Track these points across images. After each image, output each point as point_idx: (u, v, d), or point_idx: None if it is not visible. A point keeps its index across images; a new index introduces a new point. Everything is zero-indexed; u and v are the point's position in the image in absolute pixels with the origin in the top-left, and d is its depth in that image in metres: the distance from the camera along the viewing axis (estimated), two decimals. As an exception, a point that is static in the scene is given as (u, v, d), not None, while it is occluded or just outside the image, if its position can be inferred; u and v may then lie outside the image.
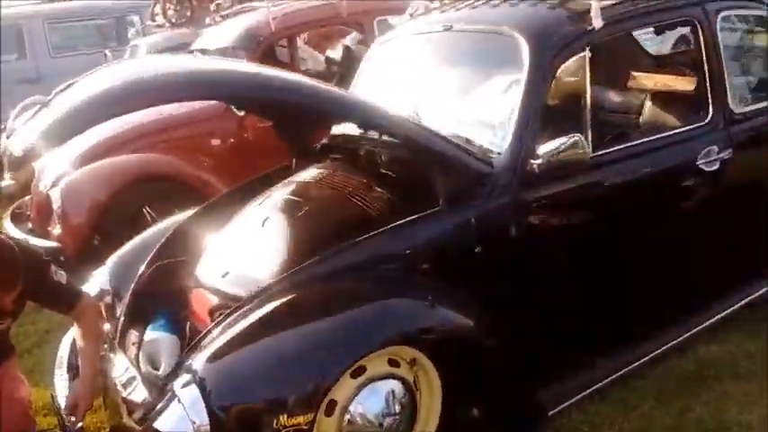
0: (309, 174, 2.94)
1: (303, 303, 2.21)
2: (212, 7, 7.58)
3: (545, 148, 2.39)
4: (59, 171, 4.34)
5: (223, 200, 3.19)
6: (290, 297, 2.21)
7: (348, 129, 3.14)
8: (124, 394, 2.45)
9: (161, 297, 2.89)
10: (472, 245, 2.40)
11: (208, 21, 7.01)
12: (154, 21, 7.79)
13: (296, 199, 2.74)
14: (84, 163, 4.33)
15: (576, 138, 2.35)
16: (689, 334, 2.87)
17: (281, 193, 2.88)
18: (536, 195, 2.48)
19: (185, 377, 2.06)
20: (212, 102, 4.70)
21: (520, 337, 2.40)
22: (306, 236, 2.55)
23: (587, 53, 2.61)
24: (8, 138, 5.04)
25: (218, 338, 2.16)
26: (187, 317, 2.76)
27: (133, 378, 2.51)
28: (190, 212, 3.23)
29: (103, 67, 2.91)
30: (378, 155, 2.93)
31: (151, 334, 2.70)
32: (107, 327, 2.87)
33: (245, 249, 2.68)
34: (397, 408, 2.16)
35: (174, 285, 2.90)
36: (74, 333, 2.83)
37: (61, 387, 2.71)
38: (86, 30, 9.66)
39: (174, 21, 7.19)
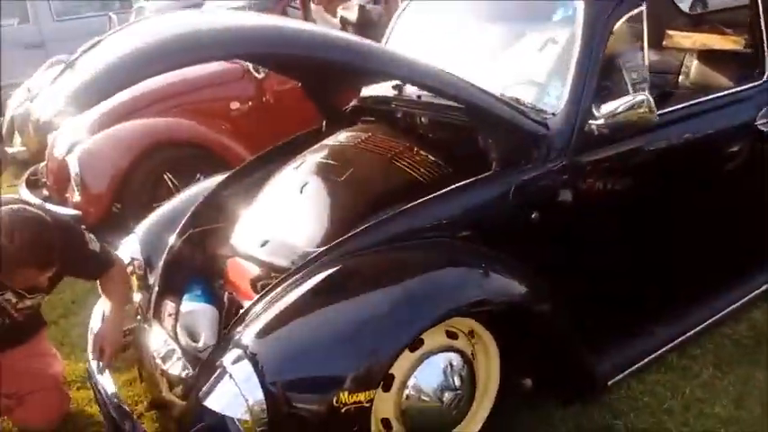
0: (346, 136, 2.81)
1: (355, 275, 2.09)
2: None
3: (607, 107, 2.25)
4: (76, 136, 4.19)
5: (253, 165, 3.06)
6: (340, 268, 2.09)
7: (383, 89, 3.01)
8: (164, 367, 2.36)
9: (195, 266, 2.80)
10: (527, 210, 2.29)
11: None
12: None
13: (335, 163, 2.61)
14: (101, 128, 4.17)
15: (643, 97, 2.21)
16: (744, 299, 2.78)
17: (317, 156, 2.75)
18: (594, 158, 2.35)
19: (235, 352, 1.95)
20: (230, 64, 4.59)
21: (576, 304, 2.30)
22: (349, 202, 2.43)
23: (644, 8, 2.46)
24: (32, 101, 4.88)
25: (266, 311, 2.04)
26: (224, 287, 2.66)
27: (172, 351, 2.41)
28: (219, 178, 3.11)
29: (129, 25, 2.77)
30: (418, 116, 2.81)
31: (188, 305, 2.60)
32: (138, 297, 2.79)
33: (283, 217, 2.56)
34: (457, 381, 2.06)
35: (208, 254, 2.80)
36: (101, 300, 2.74)
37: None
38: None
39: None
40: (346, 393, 1.83)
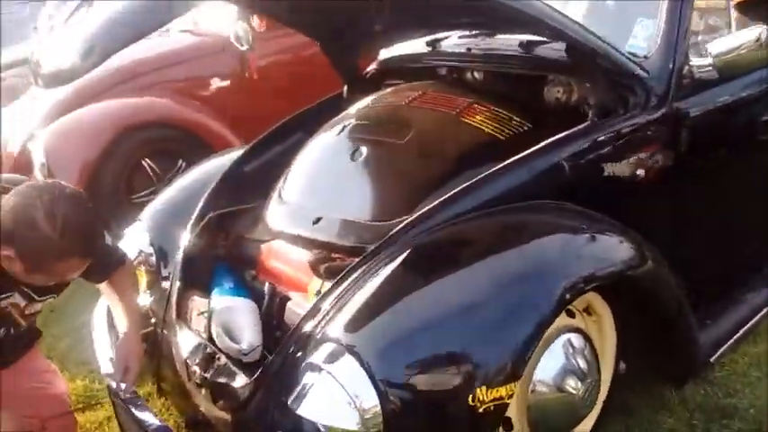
0: (390, 97, 2.44)
1: (461, 246, 1.74)
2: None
3: (717, 46, 1.97)
4: (35, 120, 3.67)
5: (273, 137, 2.65)
6: (439, 239, 1.74)
7: (413, 47, 2.67)
8: (205, 376, 1.95)
9: (219, 255, 2.38)
10: (628, 165, 1.99)
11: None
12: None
13: (389, 125, 2.24)
14: (64, 111, 3.66)
15: (761, 30, 1.94)
16: None
17: (360, 119, 2.37)
18: (696, 105, 2.07)
19: (328, 348, 1.57)
20: (209, 36, 4.14)
21: (679, 271, 2.02)
22: (419, 167, 2.07)
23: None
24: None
25: (353, 298, 1.66)
26: (258, 278, 2.26)
27: (212, 356, 2.00)
28: (232, 154, 2.70)
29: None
30: (470, 71, 2.47)
31: (220, 300, 2.18)
32: (147, 299, 2.36)
33: (335, 189, 2.18)
34: (583, 365, 1.74)
35: (232, 240, 2.40)
36: (107, 302, 2.29)
37: (106, 364, 2.18)
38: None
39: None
40: (484, 389, 1.47)
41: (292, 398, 1.58)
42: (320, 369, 1.55)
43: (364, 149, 2.17)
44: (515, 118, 2.13)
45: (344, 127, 2.34)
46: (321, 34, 2.67)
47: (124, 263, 2.15)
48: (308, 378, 1.57)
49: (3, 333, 1.90)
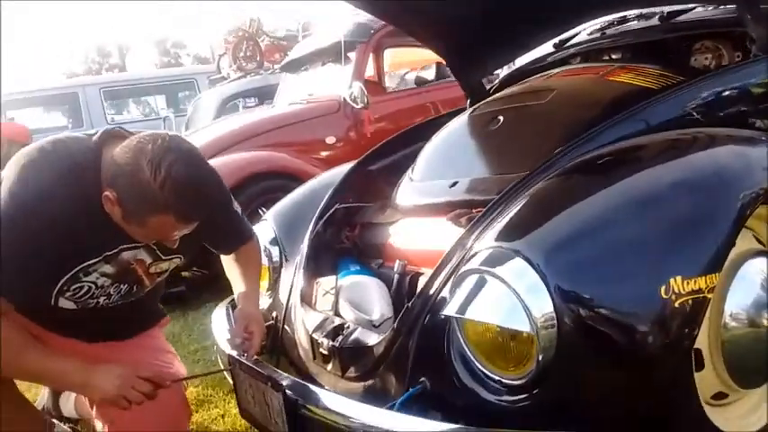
0: (525, 85, 2.36)
1: (624, 159, 1.55)
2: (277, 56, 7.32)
3: None
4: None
5: (401, 139, 2.59)
6: (598, 156, 1.57)
7: (540, 51, 2.62)
8: (335, 344, 1.77)
9: (344, 247, 2.27)
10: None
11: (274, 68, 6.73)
12: (220, 72, 7.51)
13: (527, 94, 2.14)
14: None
15: None
16: None
17: (498, 99, 2.28)
18: None
19: (489, 254, 1.38)
20: (326, 100, 4.27)
21: None
22: (568, 116, 1.91)
23: None
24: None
25: (510, 212, 1.49)
26: (389, 262, 2.11)
27: (341, 326, 1.84)
28: (349, 164, 2.64)
29: None
30: (607, 53, 2.37)
31: (348, 278, 2.05)
32: (266, 301, 2.23)
33: (470, 157, 2.06)
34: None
35: (361, 229, 2.28)
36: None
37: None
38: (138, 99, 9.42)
39: (244, 67, 6.89)
40: (680, 279, 1.24)
41: (448, 308, 1.38)
42: (483, 273, 1.36)
43: (502, 117, 2.06)
44: (666, 73, 1.98)
45: (478, 108, 2.25)
46: (448, 52, 2.67)
47: (252, 238, 2.07)
48: (466, 286, 1.38)
49: (126, 289, 1.82)
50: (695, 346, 1.40)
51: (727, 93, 1.74)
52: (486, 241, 1.44)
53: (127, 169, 1.52)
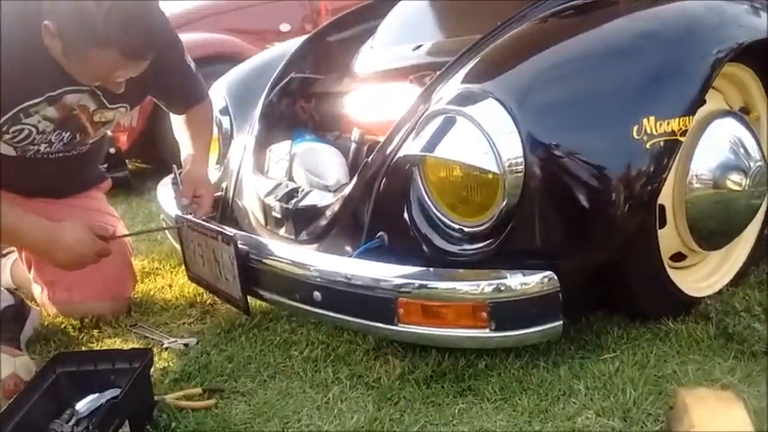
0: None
1: (596, 10, 1.48)
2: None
3: None
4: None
5: (362, 12, 2.45)
6: (570, 7, 1.50)
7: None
8: (288, 206, 1.70)
9: (302, 118, 2.17)
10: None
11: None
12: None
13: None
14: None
15: None
16: None
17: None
18: None
19: (458, 94, 1.31)
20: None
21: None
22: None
23: None
24: None
25: (481, 56, 1.41)
26: (346, 133, 2.02)
27: (295, 190, 1.76)
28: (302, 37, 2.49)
29: None
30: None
31: (302, 145, 1.96)
32: (216, 173, 2.13)
33: (438, 21, 1.96)
34: (754, 155, 1.43)
35: (318, 100, 2.17)
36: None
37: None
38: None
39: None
40: (653, 119, 1.20)
41: (411, 148, 1.32)
42: (451, 112, 1.28)
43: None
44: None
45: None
46: None
47: (205, 99, 1.95)
48: (432, 126, 1.31)
49: (68, 137, 1.69)
50: (660, 203, 1.39)
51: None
52: (454, 84, 1.37)
53: None
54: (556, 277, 1.19)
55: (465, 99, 1.28)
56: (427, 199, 1.36)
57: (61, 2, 1.39)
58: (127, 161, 3.66)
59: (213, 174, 2.13)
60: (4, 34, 1.45)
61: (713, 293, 1.53)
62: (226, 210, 2.02)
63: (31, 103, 1.54)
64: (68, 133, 1.68)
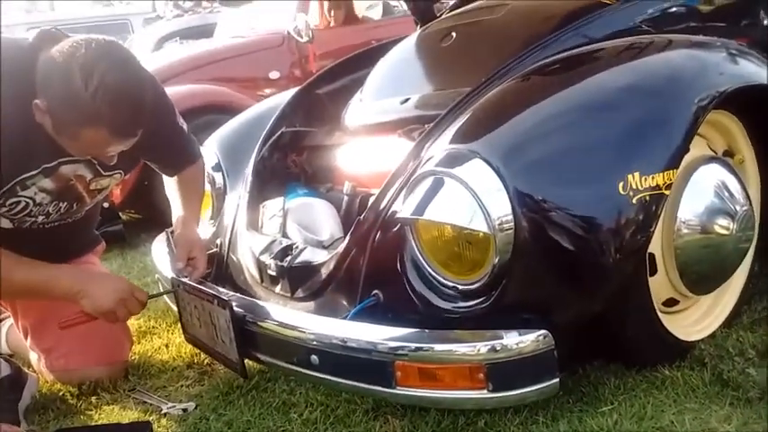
0: (476, 3, 2.28)
1: (578, 65, 1.51)
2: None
3: None
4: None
5: (348, 63, 2.49)
6: (552, 63, 1.54)
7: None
8: (283, 264, 1.71)
9: (291, 172, 2.19)
10: None
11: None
12: (155, 11, 7.19)
13: (483, 11, 2.07)
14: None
15: None
16: None
17: (449, 18, 2.21)
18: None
19: (446, 155, 1.33)
20: (269, 33, 4.12)
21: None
22: (524, 27, 1.87)
23: None
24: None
25: (466, 118, 1.45)
26: (338, 185, 2.04)
27: (289, 246, 1.77)
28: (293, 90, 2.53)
29: None
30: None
31: (296, 200, 1.98)
32: (209, 229, 2.14)
33: (424, 73, 1.99)
34: (739, 199, 1.46)
35: (309, 154, 2.20)
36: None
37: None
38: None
39: (181, 5, 6.61)
40: (638, 175, 1.22)
41: (403, 211, 1.34)
42: (439, 174, 1.31)
43: (455, 33, 1.99)
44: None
45: (429, 26, 2.18)
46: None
47: (197, 160, 1.97)
48: (422, 188, 1.33)
49: (65, 207, 1.70)
50: (649, 251, 1.41)
51: (675, 8, 1.71)
52: (442, 144, 1.40)
53: (57, 75, 1.39)
54: (551, 335, 1.20)
55: (453, 160, 1.31)
56: (420, 257, 1.38)
57: (51, 79, 1.41)
58: (120, 213, 3.68)
59: (207, 229, 2.15)
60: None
61: (707, 336, 1.55)
62: (221, 267, 2.04)
63: (27, 175, 1.56)
64: (65, 203, 1.70)
